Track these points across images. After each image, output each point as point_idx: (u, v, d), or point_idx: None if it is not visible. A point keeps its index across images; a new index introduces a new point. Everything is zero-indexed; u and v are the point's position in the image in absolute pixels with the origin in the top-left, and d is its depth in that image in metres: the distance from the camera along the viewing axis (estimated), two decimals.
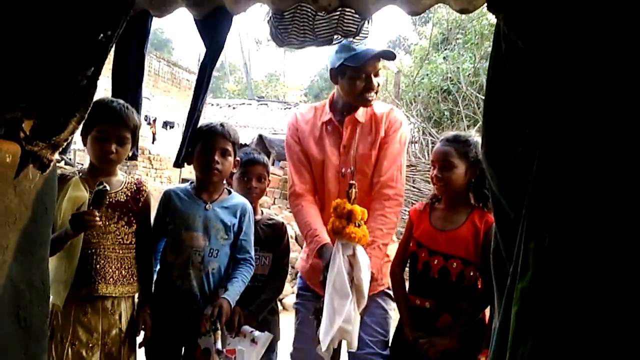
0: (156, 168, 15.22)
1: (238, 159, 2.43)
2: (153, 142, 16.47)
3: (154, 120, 16.66)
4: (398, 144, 2.40)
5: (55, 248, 1.93)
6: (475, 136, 2.32)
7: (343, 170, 2.41)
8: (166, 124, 17.44)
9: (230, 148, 2.32)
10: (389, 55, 2.39)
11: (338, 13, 2.15)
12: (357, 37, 2.24)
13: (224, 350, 2.13)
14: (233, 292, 2.23)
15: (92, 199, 2.01)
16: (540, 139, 1.20)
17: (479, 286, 2.22)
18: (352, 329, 2.05)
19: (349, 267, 2.09)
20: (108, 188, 2.06)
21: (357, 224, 2.11)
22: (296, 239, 7.01)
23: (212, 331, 2.14)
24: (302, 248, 2.71)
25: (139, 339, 2.22)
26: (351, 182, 2.19)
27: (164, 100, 17.42)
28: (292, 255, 6.13)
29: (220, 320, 2.15)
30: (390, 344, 2.39)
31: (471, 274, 2.20)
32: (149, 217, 2.28)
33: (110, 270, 2.10)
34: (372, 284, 2.23)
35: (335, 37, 2.24)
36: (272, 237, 2.58)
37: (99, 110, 2.08)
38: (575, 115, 1.16)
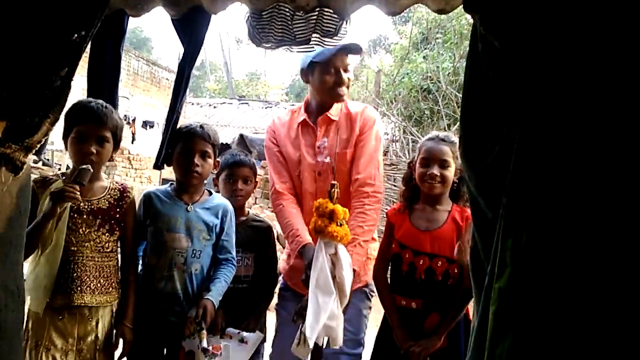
0: (136, 168, 15.08)
1: (218, 160, 2.42)
2: (132, 142, 16.31)
3: (133, 120, 16.49)
4: (374, 141, 2.42)
5: (35, 234, 1.89)
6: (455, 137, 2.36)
7: (319, 168, 2.43)
8: (146, 124, 17.28)
9: (210, 150, 2.31)
10: (355, 48, 2.41)
11: (316, 13, 2.15)
12: (336, 37, 2.24)
13: (210, 347, 2.13)
14: (216, 293, 2.23)
15: (75, 175, 1.97)
16: (517, 138, 1.21)
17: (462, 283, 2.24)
18: (336, 325, 2.07)
19: (331, 265, 2.11)
20: (92, 170, 2.01)
21: (339, 223, 2.13)
22: (278, 239, 6.98)
23: (196, 332, 2.13)
24: (283, 248, 2.71)
25: (118, 351, 2.17)
26: (333, 182, 2.19)
27: (143, 100, 17.27)
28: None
29: (205, 320, 2.15)
30: (374, 344, 2.39)
31: (455, 271, 2.23)
32: (134, 223, 2.24)
33: (88, 279, 2.06)
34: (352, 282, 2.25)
35: (314, 36, 2.23)
36: (254, 238, 2.57)
37: (77, 112, 2.05)
38: (551, 114, 1.17)
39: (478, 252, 1.40)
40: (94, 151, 2.04)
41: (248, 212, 2.68)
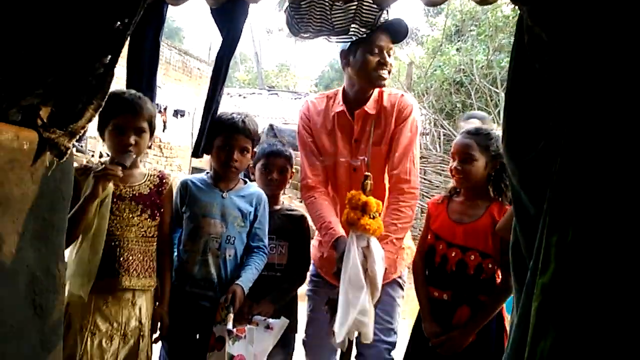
0: (167, 156, 15.27)
1: (255, 150, 2.43)
2: (164, 131, 16.49)
3: (165, 109, 16.65)
4: (409, 133, 2.36)
5: (78, 218, 1.92)
6: (496, 129, 2.31)
7: (354, 164, 2.38)
8: (177, 113, 17.44)
9: (249, 145, 2.34)
10: (400, 26, 2.31)
11: (355, 3, 2.13)
12: (375, 28, 2.22)
13: (235, 330, 2.15)
14: (246, 279, 2.25)
15: (118, 158, 2.02)
16: (565, 133, 1.18)
17: (497, 279, 2.21)
18: (367, 321, 2.04)
19: (363, 258, 2.08)
20: (134, 154, 2.06)
21: (371, 216, 2.10)
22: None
23: (225, 317, 2.15)
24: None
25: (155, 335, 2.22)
26: (366, 173, 2.17)
27: (174, 89, 17.43)
28: None
29: (234, 305, 2.17)
30: (410, 337, 2.38)
31: (489, 266, 2.20)
32: (172, 210, 2.28)
33: (134, 262, 2.10)
34: (387, 273, 2.24)
35: (352, 27, 2.21)
36: (288, 226, 2.57)
37: (112, 103, 2.07)
38: (601, 110, 1.14)
39: (519, 247, 1.38)
40: (133, 142, 2.07)
41: (282, 201, 2.68)
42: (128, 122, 2.08)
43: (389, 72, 2.34)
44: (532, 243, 1.27)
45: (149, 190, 2.18)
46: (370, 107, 2.38)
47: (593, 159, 1.12)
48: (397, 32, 2.32)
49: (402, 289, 2.49)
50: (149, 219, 2.16)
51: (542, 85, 1.33)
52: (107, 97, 2.02)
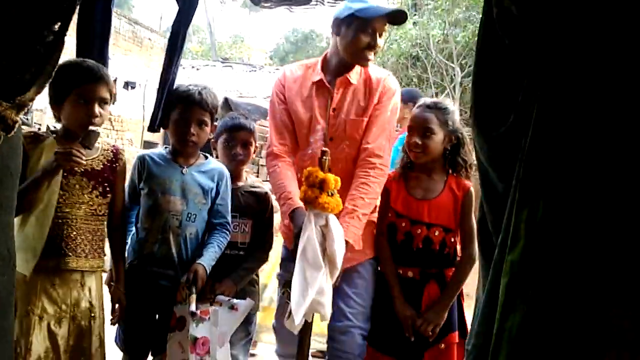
0: (117, 130, 14.82)
1: (216, 124, 2.35)
2: (113, 103, 16.00)
3: (115, 80, 16.07)
4: (389, 112, 2.31)
5: (30, 192, 1.82)
6: (451, 104, 2.31)
7: (331, 134, 2.31)
8: (127, 84, 16.88)
9: (207, 118, 2.26)
10: (401, 17, 2.31)
11: None
12: None
13: (198, 311, 2.09)
14: (209, 258, 2.19)
15: (83, 137, 1.91)
16: (536, 107, 1.17)
17: (459, 253, 2.23)
18: (325, 301, 1.99)
19: (321, 237, 2.01)
20: (100, 131, 1.96)
21: (330, 193, 2.02)
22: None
23: (187, 298, 2.10)
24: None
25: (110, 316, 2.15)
26: (324, 149, 2.10)
27: (124, 60, 16.86)
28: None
29: (195, 285, 2.12)
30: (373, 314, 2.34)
31: (452, 240, 2.23)
32: (124, 187, 2.19)
33: (82, 242, 2.00)
34: (356, 253, 2.21)
35: None
36: (252, 204, 2.50)
37: (75, 72, 1.96)
38: (571, 83, 1.14)
39: (486, 224, 1.37)
40: (99, 113, 1.97)
41: (246, 177, 2.61)
42: (93, 92, 1.97)
43: (375, 54, 2.31)
44: (500, 219, 1.27)
45: (102, 166, 2.08)
46: (353, 77, 2.33)
47: (564, 133, 1.11)
48: (396, 19, 2.32)
49: (376, 270, 2.41)
50: (100, 197, 2.06)
51: (512, 59, 1.32)
52: (61, 69, 1.94)
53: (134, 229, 2.29)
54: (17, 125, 1.39)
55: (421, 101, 2.38)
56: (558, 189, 1.09)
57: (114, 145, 2.19)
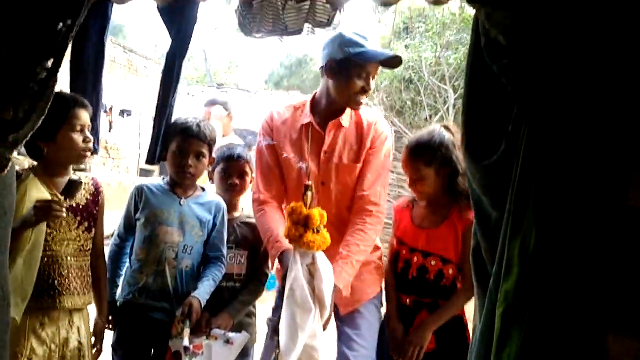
0: (113, 158, 14.84)
1: (214, 156, 2.36)
2: (110, 131, 16.03)
3: (111, 109, 16.17)
4: (383, 158, 2.29)
5: (12, 240, 1.79)
6: (439, 131, 2.27)
7: (322, 179, 2.26)
8: (123, 112, 16.96)
9: (205, 150, 2.27)
10: (396, 62, 2.27)
11: (308, 3, 2.10)
12: (329, 28, 2.18)
13: (191, 346, 2.06)
14: (203, 291, 2.18)
15: (65, 188, 1.91)
16: (525, 136, 1.18)
17: (458, 286, 2.21)
18: (318, 345, 1.91)
19: (309, 277, 1.94)
20: (83, 181, 1.97)
21: (315, 230, 1.95)
22: None
23: (182, 331, 2.07)
24: None
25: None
26: (307, 183, 2.05)
27: (120, 88, 16.96)
28: None
29: (190, 318, 2.10)
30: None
31: (450, 272, 2.19)
32: (103, 220, 2.17)
33: (74, 280, 1.99)
34: (357, 294, 2.19)
35: (306, 26, 2.17)
36: (248, 235, 2.48)
37: (63, 103, 1.97)
38: (560, 112, 1.15)
39: (480, 252, 1.37)
40: (91, 142, 1.99)
41: (242, 208, 2.60)
42: (85, 119, 2.00)
43: (368, 97, 2.29)
44: (494, 248, 1.27)
45: (85, 201, 2.07)
46: (345, 120, 2.29)
47: (554, 162, 1.12)
48: (391, 64, 2.30)
49: (380, 311, 2.38)
50: (86, 232, 2.06)
51: (501, 88, 1.33)
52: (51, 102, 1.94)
53: (128, 261, 2.27)
54: (10, 164, 1.39)
55: (407, 143, 2.37)
56: (549, 219, 1.09)
57: (93, 178, 2.18)
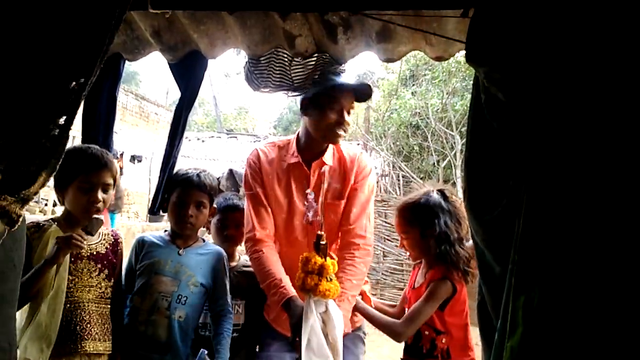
0: (124, 203, 14.94)
1: (215, 206, 2.37)
2: (120, 176, 16.21)
3: (122, 155, 16.41)
4: (367, 191, 2.31)
5: (35, 281, 1.83)
6: (429, 194, 2.26)
7: (309, 217, 2.20)
8: (134, 158, 17.22)
9: (206, 200, 2.28)
10: (366, 91, 2.28)
11: (314, 58, 2.16)
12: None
13: None
14: (225, 353, 2.18)
15: (87, 225, 1.95)
16: (526, 191, 1.20)
17: (452, 357, 2.14)
18: None
19: (322, 324, 1.95)
20: (103, 220, 2.00)
21: (328, 279, 1.97)
22: None
23: None
24: None
25: None
26: (320, 232, 2.04)
27: (131, 134, 17.25)
28: None
29: None
30: None
31: (443, 341, 2.13)
32: (122, 269, 2.21)
33: (95, 325, 2.00)
34: (347, 322, 2.15)
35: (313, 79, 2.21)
36: (244, 284, 2.46)
37: (79, 159, 2.02)
38: (560, 169, 1.16)
39: (485, 306, 1.37)
40: (101, 199, 2.01)
41: (239, 257, 2.59)
42: (97, 178, 2.01)
43: (345, 131, 2.27)
44: (498, 302, 1.26)
45: (105, 250, 2.11)
46: (328, 158, 2.31)
47: (555, 219, 1.13)
48: (362, 95, 2.29)
49: (364, 343, 2.39)
50: (106, 279, 2.08)
51: (501, 143, 1.35)
52: (67, 154, 1.99)
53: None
54: (21, 219, 1.42)
55: (398, 203, 2.40)
56: (552, 276, 1.09)
57: (112, 230, 2.23)
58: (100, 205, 2.02)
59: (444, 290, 2.11)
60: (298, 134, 2.38)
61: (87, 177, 2.00)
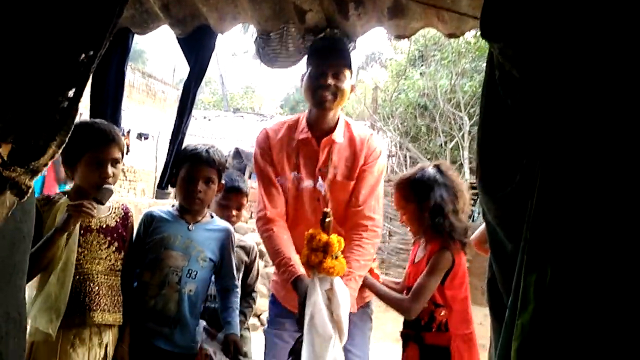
0: (130, 180, 14.99)
1: (223, 182, 2.37)
2: (127, 154, 16.21)
3: (128, 132, 16.40)
4: (376, 173, 2.31)
5: (45, 251, 1.86)
6: (425, 169, 2.30)
7: (319, 195, 2.27)
8: (140, 136, 17.19)
9: (214, 176, 2.28)
10: (330, 47, 2.23)
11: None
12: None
13: None
14: (235, 325, 2.27)
15: (97, 194, 1.97)
16: (540, 168, 1.18)
17: (450, 330, 2.17)
18: None
19: (327, 302, 1.96)
20: (113, 189, 2.02)
21: (334, 256, 1.98)
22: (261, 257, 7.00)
23: None
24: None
25: None
26: (326, 210, 2.06)
27: (138, 112, 17.22)
28: (271, 270, 6.08)
29: (240, 353, 2.20)
30: None
31: (442, 314, 2.17)
32: (130, 243, 2.22)
33: (104, 297, 2.02)
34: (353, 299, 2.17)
35: None
36: (243, 257, 2.65)
37: (87, 135, 2.02)
38: (574, 146, 1.15)
39: (496, 284, 1.36)
40: (112, 174, 2.03)
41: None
42: (106, 153, 2.03)
43: (335, 95, 2.24)
44: (510, 279, 1.26)
45: (115, 223, 2.12)
46: (338, 136, 2.30)
47: (569, 196, 1.11)
48: (336, 56, 2.23)
49: (371, 320, 2.41)
50: (116, 252, 2.10)
51: (515, 120, 1.33)
52: (74, 128, 1.99)
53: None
54: (30, 191, 1.42)
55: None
56: (565, 254, 1.08)
57: (123, 204, 2.24)
58: (110, 180, 2.03)
59: (445, 261, 2.15)
60: (308, 111, 2.38)
61: (96, 153, 2.01)
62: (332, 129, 2.31)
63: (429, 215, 2.20)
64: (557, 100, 1.21)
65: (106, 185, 2.00)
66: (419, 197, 2.23)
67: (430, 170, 2.27)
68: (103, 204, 2.01)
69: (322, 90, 2.21)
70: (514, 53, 1.29)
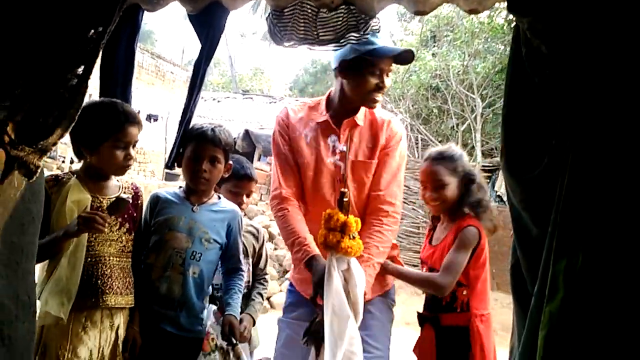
0: (139, 162, 15.03)
1: (231, 162, 2.33)
2: None
3: (138, 112, 16.42)
4: (398, 158, 2.27)
5: (52, 248, 1.85)
6: (457, 149, 2.32)
7: (339, 176, 2.20)
8: (150, 117, 17.17)
9: (220, 155, 2.23)
10: (408, 56, 2.23)
11: (342, 12, 2.06)
12: (361, 33, 2.14)
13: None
14: (236, 306, 2.23)
15: (111, 204, 1.95)
16: (571, 150, 1.13)
17: (472, 310, 2.14)
18: (357, 350, 1.91)
19: (344, 282, 1.94)
20: (130, 200, 2.01)
21: (351, 236, 1.95)
22: (271, 239, 6.98)
23: (217, 350, 2.14)
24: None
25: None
26: (343, 189, 2.01)
27: (147, 93, 17.18)
28: (280, 252, 6.02)
29: (235, 336, 2.16)
30: None
31: (464, 293, 2.14)
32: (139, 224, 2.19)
33: (116, 279, 2.00)
34: (372, 287, 2.15)
35: (348, 36, 2.12)
36: (252, 242, 2.63)
37: (112, 117, 1.99)
38: (608, 126, 1.09)
39: (520, 269, 1.32)
40: (134, 157, 2.04)
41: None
42: (132, 135, 2.02)
43: (383, 94, 2.26)
44: (535, 265, 1.21)
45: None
46: (360, 118, 2.27)
47: (603, 179, 1.06)
48: (403, 60, 2.24)
49: (392, 310, 2.35)
50: (127, 233, 2.07)
51: (543, 99, 1.28)
52: (95, 109, 1.98)
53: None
54: (39, 171, 1.38)
55: (427, 154, 2.37)
56: (598, 240, 1.03)
57: (132, 183, 2.20)
58: (131, 162, 2.04)
59: (473, 237, 2.14)
60: (330, 93, 2.36)
61: (122, 135, 1.99)
62: (355, 112, 2.28)
63: (470, 192, 2.22)
64: (589, 78, 1.15)
65: (123, 196, 1.99)
66: (461, 174, 2.23)
67: (455, 149, 2.29)
68: (116, 215, 1.99)
69: (378, 92, 2.21)
70: (544, 28, 1.23)
